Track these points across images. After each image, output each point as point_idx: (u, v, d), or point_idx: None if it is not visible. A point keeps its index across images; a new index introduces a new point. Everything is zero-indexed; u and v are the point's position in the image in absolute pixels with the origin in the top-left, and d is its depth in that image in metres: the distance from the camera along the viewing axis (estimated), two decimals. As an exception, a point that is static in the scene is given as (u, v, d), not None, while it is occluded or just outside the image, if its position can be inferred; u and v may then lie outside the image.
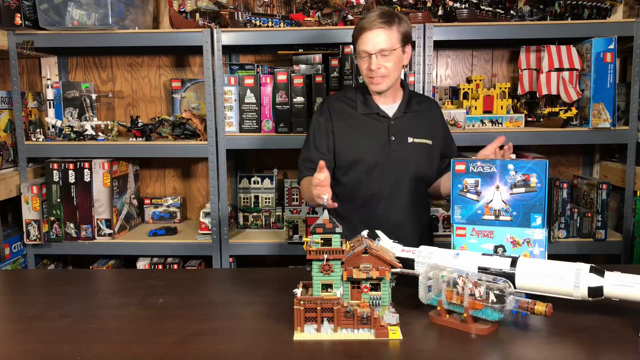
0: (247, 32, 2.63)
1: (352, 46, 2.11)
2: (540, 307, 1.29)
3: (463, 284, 1.36)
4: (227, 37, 2.61)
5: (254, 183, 2.98)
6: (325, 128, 2.06)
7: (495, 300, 1.32)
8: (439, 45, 2.84)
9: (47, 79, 2.89)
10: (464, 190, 1.62)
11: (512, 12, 2.71)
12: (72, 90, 2.95)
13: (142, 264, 2.81)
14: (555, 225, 2.66)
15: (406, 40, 1.98)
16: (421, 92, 2.58)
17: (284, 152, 2.83)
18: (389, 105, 2.06)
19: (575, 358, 1.26)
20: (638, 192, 2.59)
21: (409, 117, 2.05)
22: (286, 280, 1.62)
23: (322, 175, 1.68)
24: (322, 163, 1.68)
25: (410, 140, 2.03)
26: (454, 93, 2.98)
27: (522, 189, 1.56)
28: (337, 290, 1.36)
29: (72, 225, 2.76)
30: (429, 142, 2.06)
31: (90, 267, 2.89)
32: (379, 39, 1.91)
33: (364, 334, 1.33)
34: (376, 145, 2.02)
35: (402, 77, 2.63)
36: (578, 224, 2.69)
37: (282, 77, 2.65)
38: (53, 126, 2.83)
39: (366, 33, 1.92)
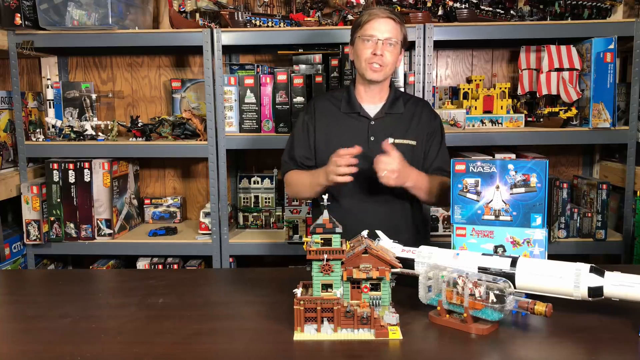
0: (247, 32, 2.63)
1: (350, 37, 2.05)
2: (540, 307, 1.29)
3: (463, 284, 1.36)
4: (227, 37, 2.61)
5: (254, 183, 2.98)
6: (308, 126, 2.09)
7: (495, 300, 1.32)
8: (439, 45, 2.83)
9: (47, 79, 2.89)
10: (464, 190, 1.62)
11: (512, 12, 2.71)
12: (72, 90, 2.94)
13: (142, 264, 2.81)
14: (555, 225, 2.66)
15: (404, 43, 2.01)
16: (421, 93, 2.58)
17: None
18: (373, 105, 2.05)
19: (575, 358, 1.26)
20: (638, 192, 2.59)
21: (391, 118, 2.04)
22: (286, 280, 1.62)
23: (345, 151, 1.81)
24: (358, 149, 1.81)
25: (390, 141, 1.99)
26: (454, 93, 2.98)
27: (522, 189, 1.56)
28: (337, 290, 1.36)
29: (72, 225, 2.76)
30: (412, 142, 2.03)
31: (90, 267, 2.89)
32: (388, 27, 1.94)
33: (364, 334, 1.33)
34: (355, 144, 1.97)
35: (402, 77, 2.65)
36: (578, 224, 2.69)
37: (282, 77, 2.65)
38: (53, 126, 2.83)
39: (377, 20, 1.94)
